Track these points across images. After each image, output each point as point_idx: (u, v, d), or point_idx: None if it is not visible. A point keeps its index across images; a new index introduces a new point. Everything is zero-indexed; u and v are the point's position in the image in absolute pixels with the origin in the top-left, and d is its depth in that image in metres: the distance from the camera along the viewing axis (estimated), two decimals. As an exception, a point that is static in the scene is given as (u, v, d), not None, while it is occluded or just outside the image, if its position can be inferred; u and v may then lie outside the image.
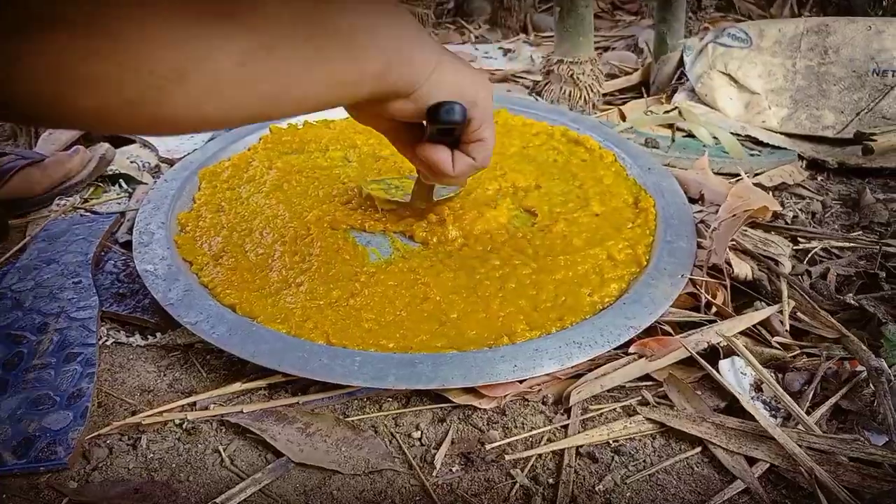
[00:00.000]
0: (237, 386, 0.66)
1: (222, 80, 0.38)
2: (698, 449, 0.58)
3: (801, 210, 0.96)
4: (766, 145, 1.15)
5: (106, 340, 0.74)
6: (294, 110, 0.47)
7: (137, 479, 0.56)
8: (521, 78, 1.43)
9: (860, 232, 0.88)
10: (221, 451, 0.59)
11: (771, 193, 1.00)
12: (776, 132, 1.19)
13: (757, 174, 1.03)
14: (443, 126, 0.60)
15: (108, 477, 0.57)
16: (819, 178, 1.09)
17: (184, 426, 0.62)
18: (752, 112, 1.23)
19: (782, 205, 0.97)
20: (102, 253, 0.87)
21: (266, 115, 0.45)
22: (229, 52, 0.37)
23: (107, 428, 0.62)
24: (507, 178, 0.94)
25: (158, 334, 0.74)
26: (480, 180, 0.93)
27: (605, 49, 1.85)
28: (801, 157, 1.12)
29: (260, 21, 0.39)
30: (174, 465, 0.58)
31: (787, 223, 0.89)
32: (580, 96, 1.22)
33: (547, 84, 1.26)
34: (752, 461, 0.55)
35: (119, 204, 1.00)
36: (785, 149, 1.14)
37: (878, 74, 1.21)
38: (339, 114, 1.11)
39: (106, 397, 0.66)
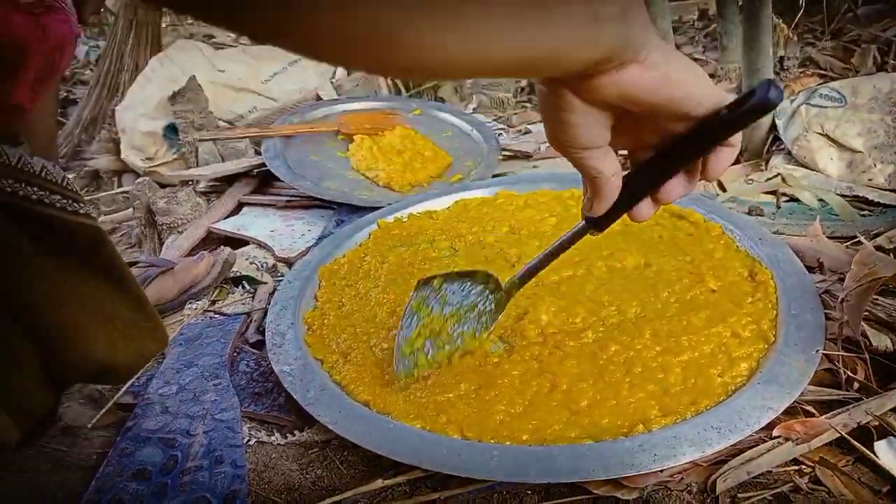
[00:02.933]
0: (378, 483, 0.68)
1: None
2: (865, 539, 0.55)
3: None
4: (878, 204, 1.12)
5: (249, 440, 0.77)
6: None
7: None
8: (610, 153, 1.45)
9: None
10: (372, 550, 0.61)
11: (893, 255, 0.97)
12: (886, 190, 1.16)
13: (875, 235, 1.00)
14: (750, 112, 0.44)
15: (269, 579, 0.59)
16: (938, 235, 1.04)
17: (333, 525, 0.64)
18: (857, 171, 1.20)
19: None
20: (235, 353, 0.93)
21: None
22: None
23: (262, 529, 0.64)
24: (615, 258, 0.94)
25: (297, 432, 0.77)
26: (589, 259, 0.94)
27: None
28: (916, 215, 1.08)
29: None
30: (329, 566, 0.60)
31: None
32: (674, 168, 1.22)
33: (639, 159, 1.28)
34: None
35: (244, 305, 1.06)
36: (894, 207, 1.10)
37: None
38: (442, 204, 1.16)
39: (256, 497, 0.69)
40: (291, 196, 1.35)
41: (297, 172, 1.35)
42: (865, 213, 1.10)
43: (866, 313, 0.75)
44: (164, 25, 2.61)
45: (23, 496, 0.73)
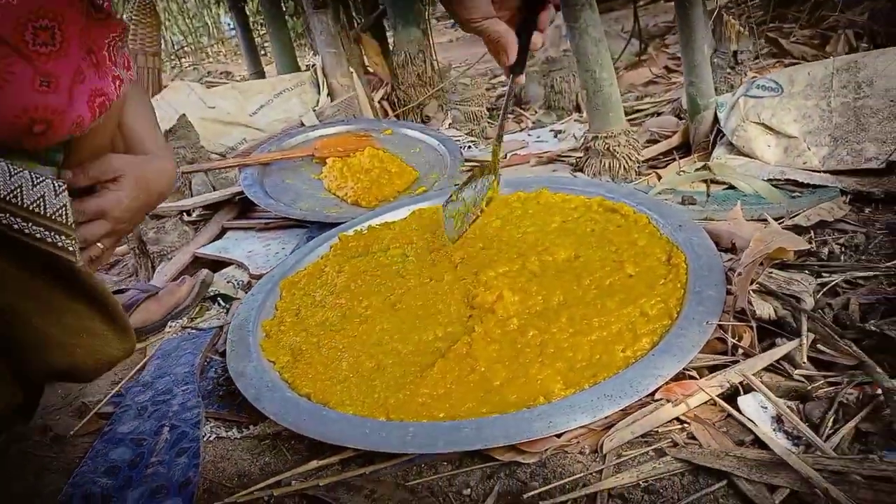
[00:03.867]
0: (314, 464, 0.76)
1: None
2: (724, 482, 0.61)
3: (843, 244, 0.98)
4: (808, 186, 1.17)
5: (210, 437, 0.86)
6: None
7: (233, 549, 0.67)
8: (567, 157, 1.53)
9: (900, 259, 0.89)
10: (302, 520, 0.69)
11: (812, 232, 1.03)
12: (819, 171, 1.21)
13: (795, 215, 1.06)
14: None
15: (211, 549, 0.68)
16: (867, 211, 1.10)
17: (270, 502, 0.72)
18: (793, 155, 1.26)
19: (824, 242, 0.99)
20: (206, 363, 1.02)
21: None
22: None
23: (210, 508, 0.73)
24: (548, 252, 1.02)
25: (252, 427, 0.86)
26: (526, 255, 1.02)
27: (656, 114, 1.93)
28: (844, 193, 1.13)
29: None
30: (263, 536, 0.68)
31: (822, 259, 0.91)
32: (619, 166, 1.30)
33: (587, 160, 1.35)
34: (772, 489, 0.59)
35: (218, 319, 1.16)
36: (827, 187, 1.16)
37: (917, 100, 1.22)
38: (401, 215, 1.25)
39: (210, 483, 0.78)
40: (269, 219, 1.45)
41: (273, 196, 1.45)
42: (797, 194, 1.16)
43: (758, 286, 0.81)
44: (165, 72, 2.76)
45: (10, 499, 0.83)
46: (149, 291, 1.23)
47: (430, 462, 0.73)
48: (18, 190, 0.67)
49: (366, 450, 0.73)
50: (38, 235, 0.69)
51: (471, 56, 5.48)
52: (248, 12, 3.16)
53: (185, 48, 8.85)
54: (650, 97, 2.26)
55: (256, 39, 3.51)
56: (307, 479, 0.75)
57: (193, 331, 1.14)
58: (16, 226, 0.67)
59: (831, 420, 0.63)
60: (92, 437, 0.92)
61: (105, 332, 0.75)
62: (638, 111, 1.98)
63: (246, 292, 1.23)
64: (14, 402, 0.67)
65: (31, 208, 0.69)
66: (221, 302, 1.21)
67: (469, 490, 0.68)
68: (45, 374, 0.69)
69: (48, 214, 0.70)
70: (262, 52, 3.77)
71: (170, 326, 1.17)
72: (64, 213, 0.70)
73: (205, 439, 0.85)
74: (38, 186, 0.68)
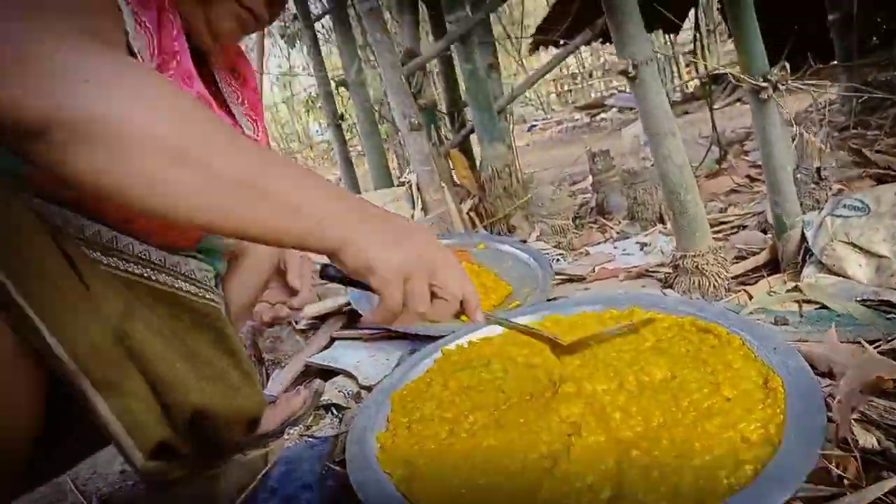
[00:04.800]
0: (433, 577, 0.82)
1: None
2: None
3: (944, 370, 0.99)
4: (904, 307, 1.19)
5: (332, 544, 0.94)
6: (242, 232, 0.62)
7: None
8: (655, 272, 1.59)
9: None
10: None
11: (909, 356, 1.04)
12: (914, 292, 1.23)
13: (893, 338, 1.08)
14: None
15: None
16: (966, 333, 1.10)
17: None
18: (885, 275, 1.28)
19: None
20: (324, 471, 1.11)
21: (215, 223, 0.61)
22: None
23: None
24: (644, 372, 1.07)
25: (371, 537, 0.93)
26: (622, 373, 1.07)
27: (741, 227, 1.97)
28: (942, 314, 1.14)
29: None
30: None
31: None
32: (709, 284, 1.35)
33: (676, 277, 1.41)
34: None
35: (332, 428, 1.25)
36: (923, 308, 1.17)
37: None
38: (499, 330, 1.34)
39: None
40: (374, 330, 1.56)
41: (378, 309, 1.57)
42: (892, 316, 1.18)
43: (859, 414, 0.84)
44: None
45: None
46: (267, 401, 1.34)
47: (544, 581, 0.77)
48: (177, 264, 0.82)
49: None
50: (191, 291, 0.84)
51: (546, 159, 5.68)
52: (343, 129, 3.44)
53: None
54: (734, 207, 2.31)
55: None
56: (428, 592, 0.80)
57: (311, 439, 1.23)
58: (174, 284, 0.82)
59: (945, 558, 0.64)
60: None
61: (240, 384, 0.84)
62: (723, 223, 2.03)
63: (356, 401, 1.32)
64: (163, 436, 0.71)
65: (185, 273, 0.84)
66: (334, 411, 1.31)
67: None
68: (184, 412, 0.73)
69: (198, 278, 0.85)
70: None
71: (288, 434, 1.27)
72: (207, 278, 0.85)
73: (328, 546, 0.93)
74: (190, 263, 0.84)
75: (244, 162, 0.60)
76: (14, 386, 0.62)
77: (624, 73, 1.34)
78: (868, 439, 0.80)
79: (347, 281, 0.78)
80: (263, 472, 1.15)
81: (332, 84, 3.22)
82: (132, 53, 0.71)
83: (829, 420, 0.87)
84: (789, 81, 1.33)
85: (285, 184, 0.62)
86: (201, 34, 0.86)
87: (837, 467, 0.79)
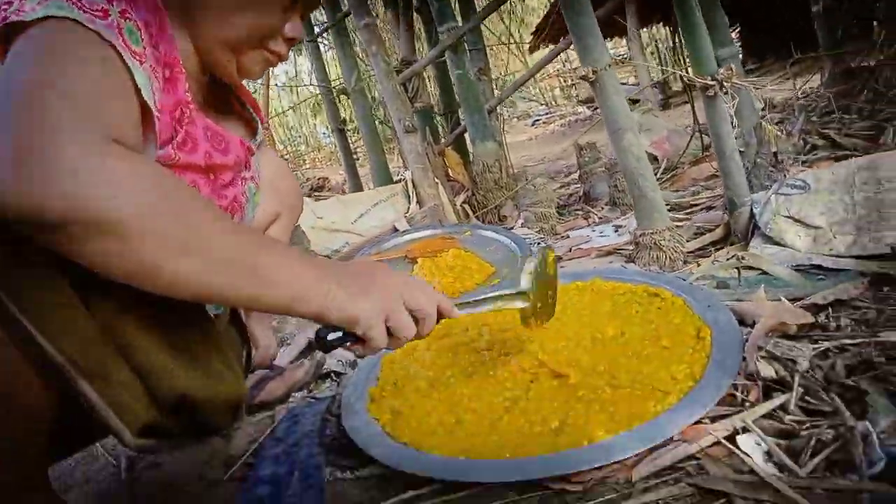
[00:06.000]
0: (410, 493, 0.98)
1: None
2: (723, 500, 0.80)
3: (854, 319, 1.14)
4: (833, 270, 1.34)
5: (329, 478, 1.11)
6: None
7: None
8: (623, 249, 1.75)
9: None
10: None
11: (830, 309, 1.20)
12: (844, 257, 1.38)
13: (814, 294, 1.23)
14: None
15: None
16: (885, 290, 1.26)
17: (379, 521, 0.95)
18: (820, 243, 1.43)
19: (838, 318, 1.16)
20: (324, 423, 1.28)
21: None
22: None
23: (333, 526, 0.96)
24: (598, 329, 1.24)
25: (362, 469, 1.10)
26: (580, 333, 1.24)
27: (709, 208, 2.13)
28: (864, 275, 1.29)
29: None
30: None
31: (828, 332, 1.09)
32: (665, 258, 1.51)
33: (638, 252, 1.57)
34: (759, 503, 0.77)
35: (331, 391, 1.42)
36: (849, 270, 1.32)
37: (930, 192, 1.39)
38: (476, 303, 1.50)
39: (332, 510, 1.02)
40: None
41: (373, 290, 1.74)
42: (821, 278, 1.33)
43: (766, 352, 1.00)
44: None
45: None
46: (274, 373, 1.52)
47: (499, 491, 0.94)
48: None
49: (450, 480, 0.95)
50: None
51: (547, 153, 5.83)
52: (347, 134, 3.62)
53: (285, 156, 9.64)
54: (709, 191, 2.46)
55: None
56: (404, 506, 0.97)
57: (313, 400, 1.41)
58: None
59: (809, 453, 0.81)
60: (236, 482, 1.18)
61: (222, 373, 0.87)
62: (694, 205, 2.19)
63: (353, 369, 1.49)
64: (150, 419, 0.76)
65: None
66: (334, 377, 1.48)
67: (528, 511, 0.89)
68: (168, 397, 0.77)
69: None
70: (356, 158, 4.22)
71: (292, 398, 1.44)
72: None
73: (327, 479, 1.10)
74: None
75: (236, 248, 0.71)
76: (21, 385, 0.71)
77: (585, 78, 1.51)
78: (769, 371, 0.95)
79: (338, 344, 0.85)
80: (271, 427, 1.33)
81: (334, 92, 3.40)
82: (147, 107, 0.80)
83: (743, 359, 1.03)
84: (733, 80, 1.48)
85: (271, 262, 0.73)
86: (231, 76, 0.98)
87: (742, 393, 0.95)
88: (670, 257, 1.53)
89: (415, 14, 3.10)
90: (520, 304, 1.10)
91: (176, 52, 0.87)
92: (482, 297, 1.13)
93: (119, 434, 0.74)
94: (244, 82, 1.18)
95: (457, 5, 3.00)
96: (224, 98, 1.13)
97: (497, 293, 1.10)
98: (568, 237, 2.08)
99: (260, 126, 1.21)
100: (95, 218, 0.62)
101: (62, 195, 0.60)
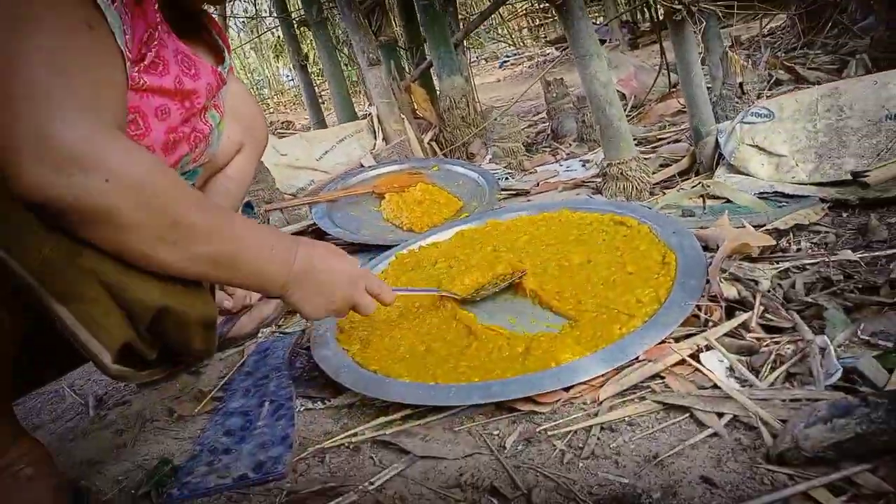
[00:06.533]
0: (382, 419, 0.99)
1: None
2: (686, 414, 0.82)
3: (815, 243, 1.17)
4: (795, 197, 1.36)
5: (300, 409, 1.11)
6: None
7: (324, 480, 0.91)
8: (590, 182, 1.75)
9: (862, 251, 1.07)
10: (373, 456, 0.92)
11: (792, 234, 1.22)
12: (805, 184, 1.40)
13: (775, 220, 1.25)
14: None
15: (308, 479, 0.92)
16: (844, 215, 1.28)
17: (350, 447, 0.96)
18: (783, 171, 1.45)
19: (798, 241, 1.18)
20: (293, 356, 1.28)
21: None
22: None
23: (305, 453, 0.97)
24: (565, 258, 1.24)
25: (332, 399, 1.10)
26: (547, 261, 1.24)
27: (675, 141, 2.13)
28: (824, 201, 1.32)
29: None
30: (346, 468, 0.92)
31: (788, 254, 1.11)
32: (632, 188, 1.51)
33: (605, 184, 1.57)
34: (721, 415, 0.79)
35: (299, 325, 1.42)
36: (810, 197, 1.34)
37: (891, 119, 1.40)
38: (446, 236, 1.50)
39: (303, 440, 1.02)
40: (338, 244, 1.71)
41: (340, 226, 1.72)
42: (782, 204, 1.35)
43: (729, 274, 1.02)
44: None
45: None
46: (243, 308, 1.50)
47: (468, 414, 0.96)
48: None
49: (420, 405, 0.96)
50: None
51: (515, 94, 5.77)
52: (309, 70, 3.52)
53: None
54: (676, 126, 2.46)
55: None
56: (377, 430, 0.98)
57: (281, 334, 1.40)
58: None
59: (769, 367, 0.83)
60: (208, 416, 1.18)
61: (194, 289, 0.85)
62: (661, 139, 2.19)
63: (321, 304, 1.49)
64: (127, 337, 0.76)
65: None
66: (302, 312, 1.47)
67: (498, 431, 0.90)
68: (144, 312, 0.77)
69: None
70: (321, 101, 4.14)
71: (261, 333, 1.44)
72: None
73: (297, 410, 1.10)
74: None
75: (219, 241, 0.79)
76: None
77: (551, 2, 1.47)
78: (731, 291, 0.97)
79: None
80: (240, 361, 1.32)
81: (295, 25, 3.28)
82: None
83: (707, 282, 1.05)
84: (700, 4, 1.46)
85: (247, 257, 0.83)
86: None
87: (706, 314, 0.97)
88: (637, 187, 1.53)
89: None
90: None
91: None
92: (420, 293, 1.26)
93: (98, 356, 0.74)
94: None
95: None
96: (191, 26, 1.09)
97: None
98: (535, 172, 2.07)
99: (227, 53, 1.17)
100: (93, 209, 0.68)
101: (63, 189, 0.65)
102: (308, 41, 4.41)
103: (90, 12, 0.75)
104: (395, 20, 3.18)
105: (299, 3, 3.20)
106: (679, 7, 1.45)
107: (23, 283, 0.67)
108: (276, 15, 3.61)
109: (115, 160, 0.68)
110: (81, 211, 0.67)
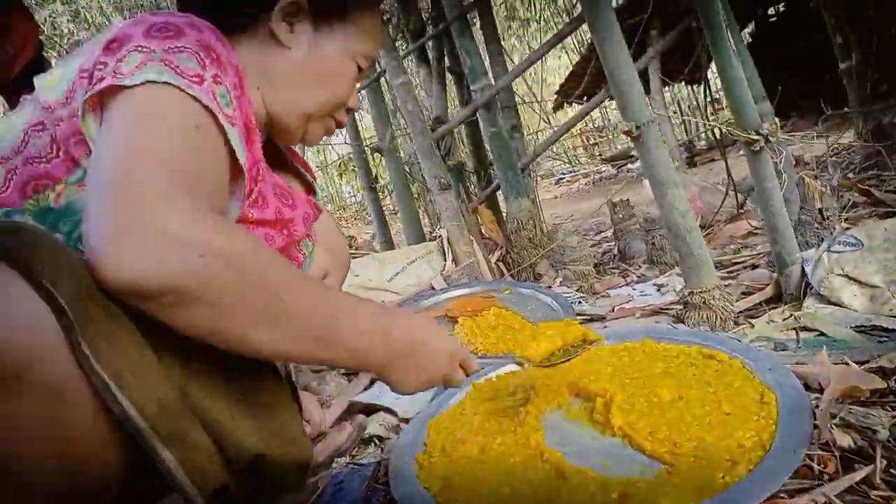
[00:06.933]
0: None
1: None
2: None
3: (927, 383, 1.09)
4: (894, 331, 1.29)
5: (379, 550, 1.06)
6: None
7: None
8: (669, 309, 1.71)
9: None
10: None
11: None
12: (904, 317, 1.33)
13: (880, 357, 1.18)
14: None
15: None
16: (955, 352, 1.20)
17: None
18: (878, 303, 1.39)
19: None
20: (370, 491, 1.24)
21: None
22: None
23: None
24: (653, 394, 1.19)
25: (413, 542, 1.05)
26: (634, 396, 1.19)
27: (753, 266, 2.09)
28: (929, 336, 1.25)
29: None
30: None
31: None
32: (716, 318, 1.47)
33: (686, 312, 1.54)
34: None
35: (375, 457, 1.39)
36: (913, 331, 1.27)
37: None
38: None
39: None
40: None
41: (414, 351, 1.71)
42: (884, 339, 1.28)
43: (839, 420, 0.95)
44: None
45: None
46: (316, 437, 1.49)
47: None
48: None
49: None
50: None
51: (574, 211, 5.84)
52: (378, 192, 3.66)
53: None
54: (749, 249, 2.42)
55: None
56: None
57: (356, 466, 1.37)
58: None
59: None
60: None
61: (296, 437, 0.87)
62: (736, 263, 2.15)
63: (395, 434, 1.46)
64: (222, 482, 0.74)
65: None
66: (376, 441, 1.44)
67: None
68: (242, 459, 0.76)
69: None
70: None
71: (336, 462, 1.41)
72: None
73: (376, 552, 1.05)
74: None
75: (322, 322, 0.77)
76: (97, 444, 0.69)
77: (628, 133, 1.51)
78: (846, 440, 0.91)
79: None
80: (315, 494, 1.29)
81: (367, 150, 3.45)
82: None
83: (815, 427, 0.98)
84: (779, 134, 1.47)
85: (347, 336, 0.80)
86: (293, 140, 1.05)
87: (819, 464, 0.90)
88: (721, 317, 1.48)
89: (447, 74, 3.16)
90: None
91: (252, 114, 0.90)
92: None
93: (192, 499, 0.72)
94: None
95: (488, 63, 3.06)
96: (279, 158, 1.16)
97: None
98: (608, 296, 2.05)
99: (315, 184, 1.23)
100: (190, 289, 0.65)
101: (161, 265, 0.64)
102: (377, 162, 4.61)
103: (204, 119, 0.77)
104: (463, 144, 3.32)
105: (371, 126, 3.38)
106: (757, 139, 1.46)
107: (135, 427, 0.67)
108: (348, 142, 3.81)
109: (214, 237, 0.68)
110: (178, 290, 0.65)
